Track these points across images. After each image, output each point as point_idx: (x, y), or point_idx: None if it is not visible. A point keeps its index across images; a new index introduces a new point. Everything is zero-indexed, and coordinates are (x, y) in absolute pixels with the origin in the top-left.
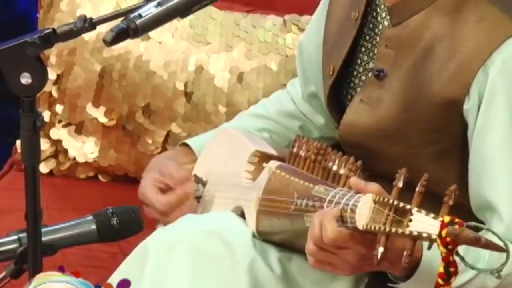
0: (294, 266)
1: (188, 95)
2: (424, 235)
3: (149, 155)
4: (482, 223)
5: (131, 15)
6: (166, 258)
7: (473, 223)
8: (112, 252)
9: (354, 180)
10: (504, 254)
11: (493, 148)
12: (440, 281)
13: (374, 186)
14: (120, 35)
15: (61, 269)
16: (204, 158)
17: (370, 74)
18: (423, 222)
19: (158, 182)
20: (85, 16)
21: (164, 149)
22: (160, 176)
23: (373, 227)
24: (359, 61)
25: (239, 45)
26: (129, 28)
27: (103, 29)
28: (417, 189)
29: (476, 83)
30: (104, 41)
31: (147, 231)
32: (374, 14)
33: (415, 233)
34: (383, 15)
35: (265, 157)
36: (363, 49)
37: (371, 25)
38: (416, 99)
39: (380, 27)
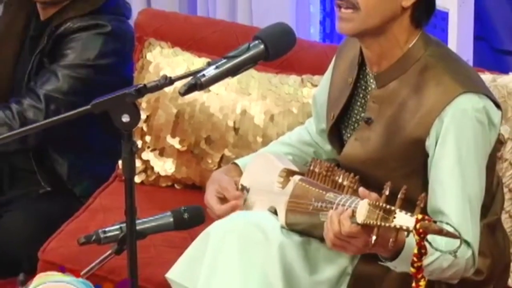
0: (312, 246)
1: (236, 130)
2: (404, 227)
3: (209, 170)
4: None
5: (198, 75)
6: (221, 242)
7: (437, 220)
8: (183, 237)
9: (362, 189)
10: (457, 241)
11: (445, 172)
12: (415, 259)
13: (374, 194)
14: (190, 89)
15: (61, 269)
16: (248, 173)
17: (362, 121)
18: (403, 219)
19: (218, 193)
20: (166, 76)
21: (219, 166)
22: (220, 188)
23: (368, 222)
24: (356, 111)
25: (271, 95)
26: (196, 84)
27: (178, 84)
28: (398, 196)
29: (434, 128)
30: (179, 92)
31: (208, 223)
32: (365, 79)
33: (397, 226)
34: (371, 80)
35: (290, 173)
36: (358, 103)
37: (363, 87)
38: (394, 138)
39: (369, 88)
